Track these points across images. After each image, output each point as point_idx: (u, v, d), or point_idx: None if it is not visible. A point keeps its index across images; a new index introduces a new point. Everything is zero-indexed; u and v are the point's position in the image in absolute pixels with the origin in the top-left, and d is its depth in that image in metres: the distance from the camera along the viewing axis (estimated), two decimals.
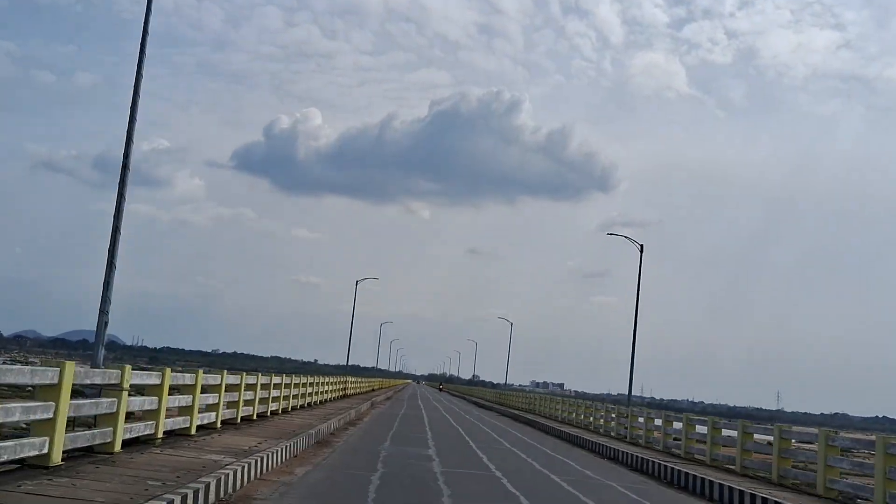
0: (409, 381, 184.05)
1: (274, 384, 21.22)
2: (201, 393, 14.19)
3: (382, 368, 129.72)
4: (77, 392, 10.33)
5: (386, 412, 36.53)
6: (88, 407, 9.31)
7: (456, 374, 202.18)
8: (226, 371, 16.06)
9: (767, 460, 16.39)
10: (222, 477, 9.16)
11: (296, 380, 25.10)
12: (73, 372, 8.57)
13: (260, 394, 19.50)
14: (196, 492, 8.03)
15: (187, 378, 13.36)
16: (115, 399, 9.90)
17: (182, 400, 13.21)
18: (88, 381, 9.30)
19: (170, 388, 12.60)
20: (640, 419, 24.92)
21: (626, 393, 33.19)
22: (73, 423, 10.67)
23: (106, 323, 10.23)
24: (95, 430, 9.58)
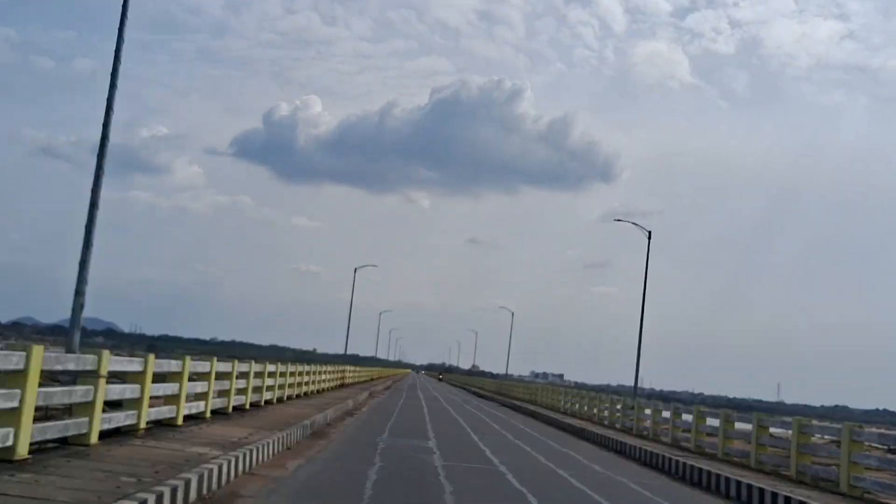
0: (409, 370, 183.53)
1: (268, 372, 20.47)
2: (189, 381, 13.46)
3: (381, 358, 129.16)
4: (55, 380, 9.58)
5: (385, 402, 35.84)
6: (60, 395, 8.55)
7: (455, 364, 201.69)
8: (215, 358, 15.29)
9: (780, 454, 15.69)
10: (206, 472, 8.40)
11: (291, 368, 24.34)
12: (41, 357, 7.81)
13: (253, 382, 18.75)
14: (174, 489, 7.28)
15: (173, 365, 12.60)
16: (91, 387, 9.13)
17: (168, 388, 12.45)
18: (60, 367, 8.54)
19: (156, 376, 11.88)
20: (647, 411, 24.19)
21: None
22: (45, 413, 9.93)
23: (82, 305, 9.47)
24: (69, 421, 8.82)
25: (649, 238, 31.35)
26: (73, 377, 9.12)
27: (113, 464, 8.20)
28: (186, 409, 13.42)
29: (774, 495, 11.81)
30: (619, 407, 27.75)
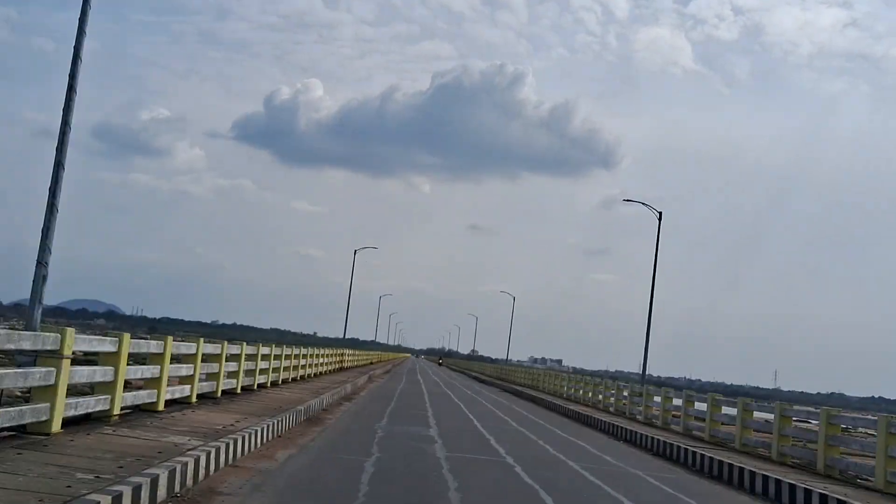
0: (409, 355, 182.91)
1: (262, 355, 19.48)
2: (173, 363, 12.46)
3: (381, 342, 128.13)
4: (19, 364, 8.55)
5: (384, 386, 34.91)
6: (13, 378, 7.51)
7: (455, 349, 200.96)
8: (202, 339, 14.28)
9: (801, 445, 14.75)
10: (179, 466, 7.39)
11: (287, 351, 23.35)
12: None
13: (246, 365, 17.75)
14: (137, 488, 6.26)
15: (153, 346, 11.58)
16: (52, 368, 8.10)
17: (148, 371, 11.44)
18: (12, 346, 7.50)
19: (133, 358, 10.87)
20: (657, 398, 23.22)
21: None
22: None
23: (44, 277, 8.42)
24: (24, 407, 7.80)
25: (660, 219, 30.27)
26: (33, 358, 8.10)
27: (72, 456, 7.19)
28: (169, 393, 12.43)
29: (808, 492, 10.81)
30: (626, 394, 26.78)
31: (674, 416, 21.62)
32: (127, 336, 10.11)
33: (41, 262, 8.55)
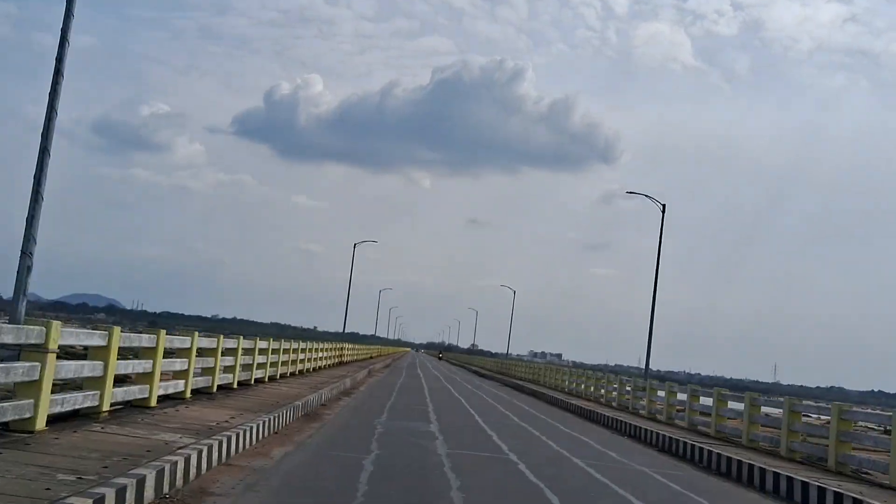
0: (408, 349, 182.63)
1: (260, 349, 19.13)
2: (167, 358, 12.11)
3: (381, 336, 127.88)
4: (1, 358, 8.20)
5: (384, 381, 34.59)
6: None
7: (455, 343, 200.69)
8: (197, 332, 13.92)
9: (811, 441, 14.40)
10: (167, 465, 7.03)
11: (285, 345, 22.99)
12: None
13: (242, 359, 17.41)
14: (121, 490, 5.90)
15: (144, 340, 11.22)
16: (36, 363, 7.75)
17: (139, 365, 11.08)
18: None
19: (124, 352, 10.51)
20: (661, 393, 22.87)
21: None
22: None
23: (29, 267, 8.07)
24: (6, 404, 7.45)
25: (663, 211, 29.90)
26: (16, 352, 7.76)
27: (55, 456, 6.84)
28: (163, 388, 12.08)
29: (822, 490, 10.46)
30: (629, 388, 26.44)
31: (678, 410, 21.29)
32: (117, 329, 9.75)
33: (25, 253, 8.20)
